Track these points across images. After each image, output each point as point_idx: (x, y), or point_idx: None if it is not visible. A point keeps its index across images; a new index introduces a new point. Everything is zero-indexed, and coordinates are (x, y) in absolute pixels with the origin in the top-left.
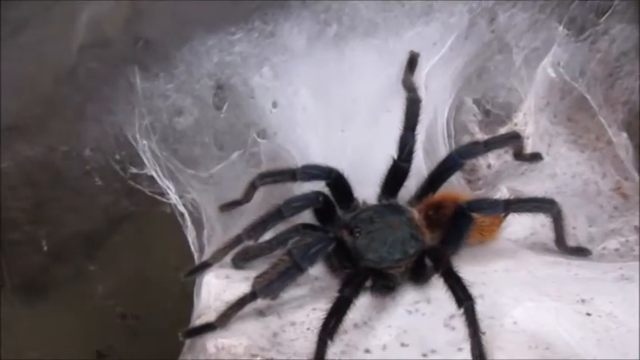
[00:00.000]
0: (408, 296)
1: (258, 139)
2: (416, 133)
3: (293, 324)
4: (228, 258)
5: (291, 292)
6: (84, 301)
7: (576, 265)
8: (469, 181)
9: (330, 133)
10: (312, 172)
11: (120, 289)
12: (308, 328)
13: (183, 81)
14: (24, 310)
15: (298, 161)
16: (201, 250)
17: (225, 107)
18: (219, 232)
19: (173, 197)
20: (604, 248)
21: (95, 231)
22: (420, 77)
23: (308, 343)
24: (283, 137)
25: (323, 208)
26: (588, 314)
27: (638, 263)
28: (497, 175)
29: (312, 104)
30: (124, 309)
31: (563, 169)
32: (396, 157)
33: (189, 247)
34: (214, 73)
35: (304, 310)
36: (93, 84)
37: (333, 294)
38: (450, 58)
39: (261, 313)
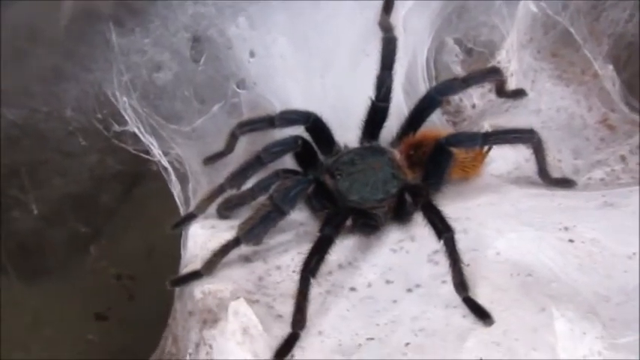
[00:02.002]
0: (393, 235)
1: (238, 90)
2: (393, 72)
3: (278, 268)
4: (213, 209)
5: (277, 238)
6: (78, 263)
7: (560, 195)
8: (454, 123)
9: (309, 80)
10: (290, 117)
11: (113, 250)
12: (293, 271)
13: (160, 35)
14: (19, 275)
15: (278, 109)
16: (187, 203)
17: (203, 60)
18: (204, 184)
19: (156, 153)
20: (589, 179)
21: (84, 192)
22: (398, 18)
23: (293, 284)
24: (263, 87)
25: (303, 152)
26: (571, 241)
27: (621, 190)
28: (481, 115)
29: (291, 52)
30: (118, 270)
31: (547, 104)
32: (373, 97)
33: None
34: (190, 25)
35: (289, 254)
36: (69, 43)
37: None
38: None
39: (247, 259)
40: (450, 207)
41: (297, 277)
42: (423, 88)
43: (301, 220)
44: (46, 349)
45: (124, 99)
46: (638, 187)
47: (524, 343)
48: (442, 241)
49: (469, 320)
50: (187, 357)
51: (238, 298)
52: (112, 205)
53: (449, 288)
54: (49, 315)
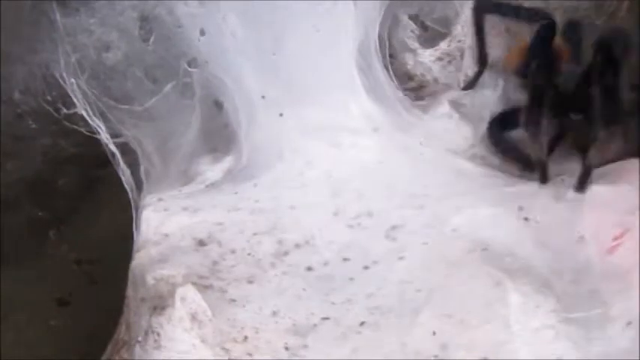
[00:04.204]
0: (350, 210)
1: (190, 69)
2: None
3: (233, 251)
4: (164, 194)
5: (231, 217)
6: (37, 249)
7: (515, 181)
8: (418, 98)
9: (261, 57)
10: None
11: (72, 235)
12: (249, 254)
13: (106, 14)
14: None
15: (231, 88)
16: (138, 187)
17: (152, 39)
18: (158, 166)
19: (104, 136)
20: None
21: (39, 176)
22: None
23: (248, 267)
24: (215, 65)
25: None
26: (526, 219)
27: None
28: (445, 89)
29: (242, 30)
30: (78, 255)
31: None
32: None
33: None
34: (137, 4)
35: (244, 235)
36: (12, 24)
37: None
38: None
39: (201, 242)
40: (407, 183)
41: (252, 260)
42: (376, 63)
43: (257, 197)
44: (8, 336)
45: (72, 80)
46: None
47: (478, 315)
48: None
49: (423, 294)
50: (137, 345)
51: (188, 283)
52: (69, 189)
53: (405, 264)
54: (8, 302)
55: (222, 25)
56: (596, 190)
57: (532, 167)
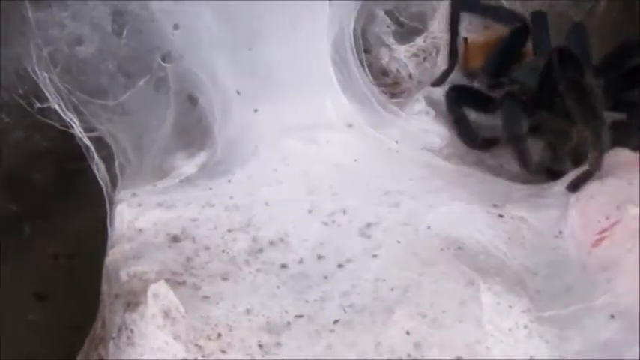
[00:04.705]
0: (325, 207)
1: (164, 64)
2: None
3: (207, 248)
4: (138, 189)
5: (206, 213)
6: (13, 243)
7: (490, 179)
8: (392, 95)
9: (237, 52)
10: None
11: (49, 229)
12: (223, 250)
13: (79, 9)
14: None
15: (206, 82)
16: (113, 183)
17: (125, 33)
18: (133, 160)
19: (77, 131)
20: None
21: (13, 170)
22: None
23: (223, 264)
24: (189, 60)
25: None
26: (500, 216)
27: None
28: (420, 86)
29: (216, 24)
30: (55, 249)
31: None
32: None
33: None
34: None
35: (218, 232)
36: None
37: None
38: None
39: (175, 238)
40: (382, 180)
41: (226, 257)
42: (352, 59)
43: (230, 193)
44: None
45: (45, 74)
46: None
47: (451, 314)
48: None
49: (397, 292)
50: (111, 341)
51: (161, 280)
52: (44, 184)
53: (379, 262)
54: None
55: (197, 19)
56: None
57: (474, 143)
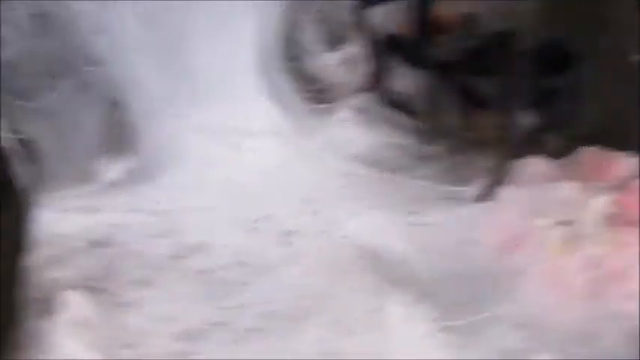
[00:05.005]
0: (247, 214)
1: (88, 68)
2: None
3: (129, 254)
4: (61, 192)
5: (129, 218)
6: None
7: (410, 184)
8: (320, 101)
9: (159, 55)
10: None
11: None
12: (145, 256)
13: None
14: None
15: (131, 87)
16: (36, 185)
17: (49, 36)
18: (57, 164)
19: (1, 132)
20: None
21: None
22: None
23: (143, 270)
24: (114, 64)
25: None
26: (416, 224)
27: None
28: (346, 93)
29: (140, 29)
30: None
31: None
32: None
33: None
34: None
35: (141, 237)
36: None
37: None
38: None
39: (96, 244)
40: (305, 188)
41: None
42: (278, 66)
43: (155, 198)
44: None
45: None
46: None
47: (363, 323)
48: None
49: (313, 300)
50: (26, 348)
51: (75, 287)
52: None
53: (298, 269)
54: None
55: (119, 23)
56: (498, 192)
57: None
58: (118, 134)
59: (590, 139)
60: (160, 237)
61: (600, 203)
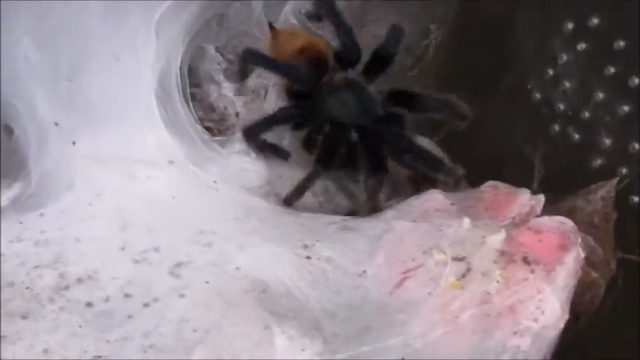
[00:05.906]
0: (137, 246)
1: None
2: None
3: (11, 285)
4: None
5: (13, 248)
6: None
7: (305, 216)
8: (219, 131)
9: (56, 83)
10: None
11: None
12: (27, 287)
13: None
14: None
15: (23, 113)
16: None
17: None
18: None
19: None
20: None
21: None
22: (150, 25)
23: (24, 302)
24: (5, 89)
25: None
26: (308, 257)
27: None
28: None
29: (36, 54)
30: None
31: None
32: None
33: None
34: None
35: (25, 267)
36: None
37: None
38: (182, 5)
39: None
40: (198, 219)
41: (30, 295)
42: (177, 95)
43: (42, 227)
44: None
45: None
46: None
47: (247, 356)
48: None
49: (199, 334)
50: None
51: None
52: None
53: (185, 302)
54: None
55: (14, 48)
56: (394, 225)
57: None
58: (7, 161)
59: (490, 174)
60: (44, 267)
61: (495, 240)
